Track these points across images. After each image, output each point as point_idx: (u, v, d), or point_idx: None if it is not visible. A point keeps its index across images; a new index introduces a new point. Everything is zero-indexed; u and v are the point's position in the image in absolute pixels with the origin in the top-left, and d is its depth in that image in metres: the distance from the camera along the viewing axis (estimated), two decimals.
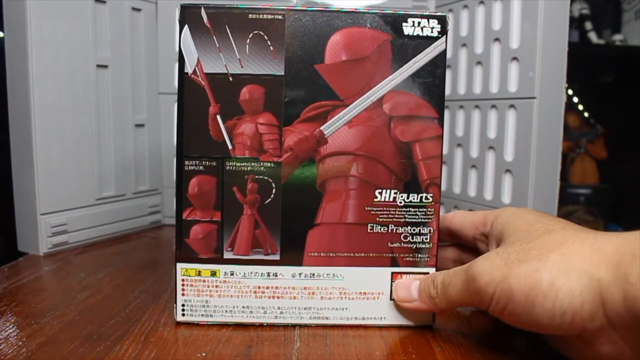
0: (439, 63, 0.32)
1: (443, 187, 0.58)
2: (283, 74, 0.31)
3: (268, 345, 0.30)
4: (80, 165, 0.50)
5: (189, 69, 0.31)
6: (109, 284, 0.40)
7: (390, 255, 0.33)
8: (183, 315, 0.33)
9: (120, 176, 0.55)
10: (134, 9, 0.55)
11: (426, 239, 0.33)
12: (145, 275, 0.43)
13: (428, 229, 0.33)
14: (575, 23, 1.16)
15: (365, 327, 0.33)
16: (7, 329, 0.31)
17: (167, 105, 0.60)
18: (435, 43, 0.32)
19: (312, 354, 0.29)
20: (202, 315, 0.33)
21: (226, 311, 0.33)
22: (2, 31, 0.48)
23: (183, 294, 0.33)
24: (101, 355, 0.28)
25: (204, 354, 0.29)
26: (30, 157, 0.46)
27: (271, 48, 0.31)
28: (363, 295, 0.33)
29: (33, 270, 0.43)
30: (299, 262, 0.33)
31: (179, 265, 0.32)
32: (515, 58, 0.48)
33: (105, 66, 0.52)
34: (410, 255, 0.33)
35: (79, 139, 0.50)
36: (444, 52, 0.32)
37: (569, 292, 0.24)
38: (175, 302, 0.33)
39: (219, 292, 0.33)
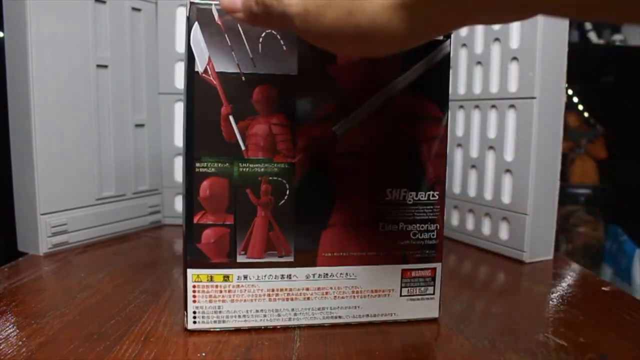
0: (444, 65, 0.32)
1: None
2: (297, 73, 0.31)
3: (268, 345, 0.30)
4: (80, 165, 0.50)
5: (199, 67, 0.30)
6: (109, 284, 0.40)
7: (400, 252, 0.33)
8: (195, 322, 0.32)
9: (120, 176, 0.55)
10: (134, 9, 0.55)
11: (433, 235, 0.33)
12: (145, 275, 0.43)
13: (435, 225, 0.33)
14: (575, 23, 1.16)
15: (374, 324, 0.34)
16: (7, 329, 0.31)
17: (167, 105, 0.60)
18: (441, 46, 0.32)
19: (312, 354, 0.29)
20: (215, 321, 0.32)
21: (239, 316, 0.32)
22: (2, 31, 0.48)
23: (194, 301, 0.31)
24: (101, 355, 0.28)
25: (204, 354, 0.29)
26: (30, 157, 0.46)
27: (284, 47, 0.31)
28: (375, 292, 0.33)
29: (33, 270, 0.43)
30: (313, 263, 0.32)
31: (190, 271, 0.31)
32: (515, 58, 0.48)
33: (105, 66, 0.52)
34: (419, 252, 0.33)
35: (79, 139, 0.50)
36: (448, 54, 0.32)
37: None
38: (186, 310, 0.31)
39: (232, 297, 0.32)
